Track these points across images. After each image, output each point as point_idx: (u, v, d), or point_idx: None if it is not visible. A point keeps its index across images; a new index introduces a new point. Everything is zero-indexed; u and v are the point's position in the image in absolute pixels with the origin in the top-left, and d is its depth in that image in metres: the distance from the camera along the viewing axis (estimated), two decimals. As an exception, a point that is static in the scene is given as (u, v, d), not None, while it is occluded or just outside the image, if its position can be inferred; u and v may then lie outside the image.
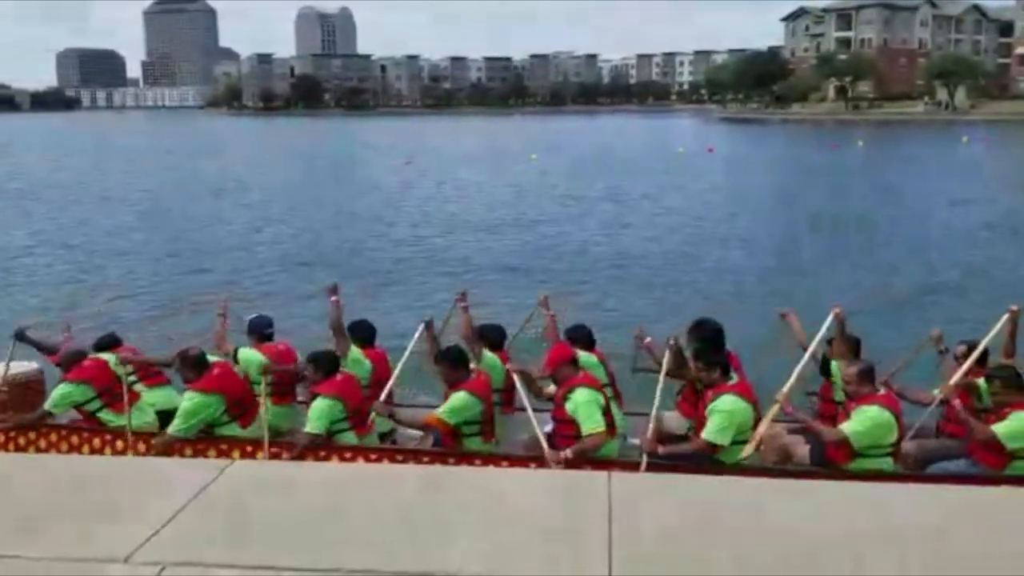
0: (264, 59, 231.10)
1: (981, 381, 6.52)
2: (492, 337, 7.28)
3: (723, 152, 58.50)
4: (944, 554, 3.46)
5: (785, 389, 6.38)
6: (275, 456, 6.56)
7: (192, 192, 38.40)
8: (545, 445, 6.26)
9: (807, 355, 6.83)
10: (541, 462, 6.19)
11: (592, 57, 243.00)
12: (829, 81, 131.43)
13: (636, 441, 6.59)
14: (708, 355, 6.44)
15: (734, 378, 6.34)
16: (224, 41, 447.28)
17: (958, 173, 42.87)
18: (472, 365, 6.80)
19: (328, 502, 3.94)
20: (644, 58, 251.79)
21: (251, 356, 7.29)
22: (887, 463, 6.10)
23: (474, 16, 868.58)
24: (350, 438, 6.64)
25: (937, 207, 29.98)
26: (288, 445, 6.66)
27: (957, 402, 6.33)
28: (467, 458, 6.36)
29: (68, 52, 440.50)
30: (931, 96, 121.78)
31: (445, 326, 7.49)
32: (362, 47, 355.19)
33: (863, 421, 6.03)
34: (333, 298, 7.15)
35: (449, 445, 6.50)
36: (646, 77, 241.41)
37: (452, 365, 6.62)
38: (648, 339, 7.09)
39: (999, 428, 5.96)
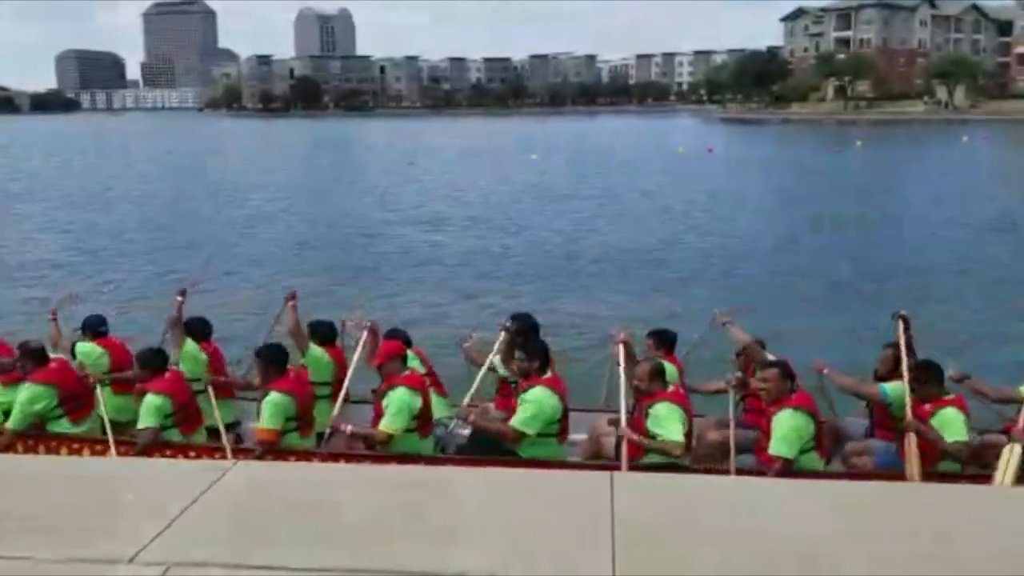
0: (263, 60, 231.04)
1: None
2: (323, 333, 7.44)
3: (723, 152, 58.52)
4: (924, 552, 3.47)
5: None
6: (123, 454, 6.57)
7: (193, 193, 38.43)
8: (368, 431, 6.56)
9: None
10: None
11: (591, 58, 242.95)
12: (828, 81, 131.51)
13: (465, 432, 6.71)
14: (528, 347, 6.61)
15: (549, 373, 6.45)
16: (223, 42, 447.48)
17: (958, 172, 42.92)
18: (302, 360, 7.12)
19: (332, 502, 3.95)
20: (643, 58, 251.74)
21: (88, 349, 7.42)
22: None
23: (473, 17, 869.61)
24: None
25: (936, 206, 29.99)
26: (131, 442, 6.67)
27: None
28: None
29: (67, 54, 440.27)
30: (931, 96, 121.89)
31: (275, 324, 7.77)
32: (361, 48, 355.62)
33: (658, 418, 6.11)
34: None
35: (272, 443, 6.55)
36: (645, 77, 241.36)
37: (264, 364, 6.71)
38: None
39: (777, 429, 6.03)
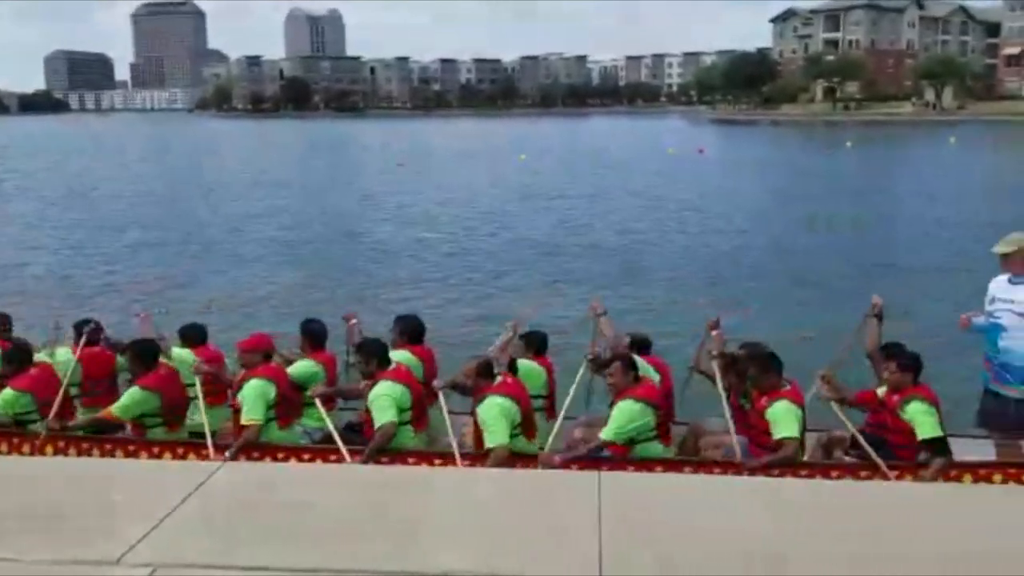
0: (253, 61, 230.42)
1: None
2: (192, 336, 7.58)
3: (713, 153, 58.64)
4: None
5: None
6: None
7: (183, 195, 38.32)
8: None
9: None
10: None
11: (581, 59, 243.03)
12: (817, 82, 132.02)
13: None
14: (361, 350, 6.79)
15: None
16: (213, 43, 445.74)
17: (945, 173, 43.13)
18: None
19: (317, 503, 3.98)
20: (633, 60, 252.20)
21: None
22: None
23: (464, 18, 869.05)
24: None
25: (924, 206, 30.12)
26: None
27: None
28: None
29: (56, 55, 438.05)
30: (919, 97, 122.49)
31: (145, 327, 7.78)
32: (351, 49, 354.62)
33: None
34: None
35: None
36: (635, 79, 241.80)
37: (135, 360, 6.85)
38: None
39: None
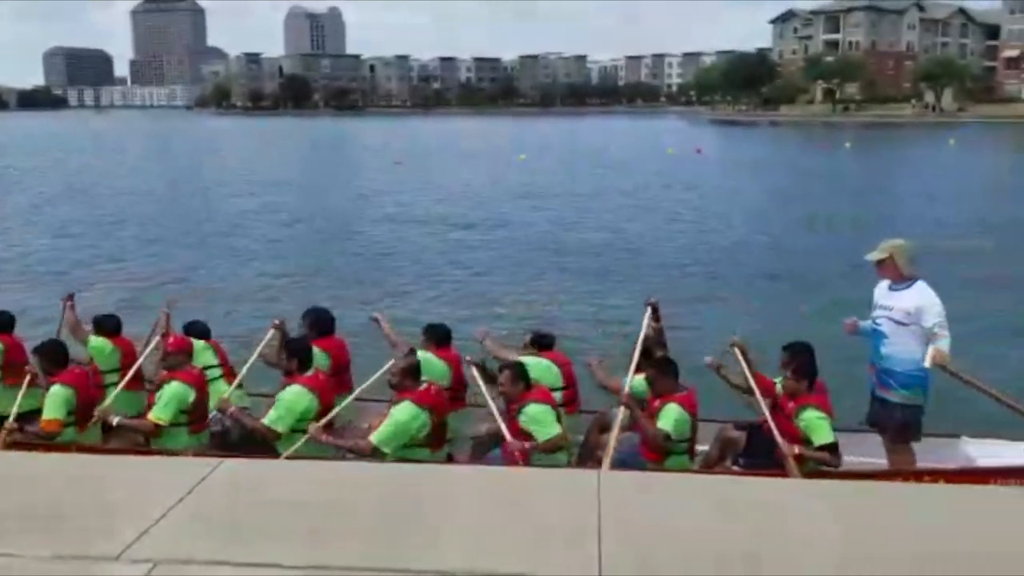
0: (252, 58, 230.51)
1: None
2: (107, 326, 7.54)
3: (712, 154, 58.66)
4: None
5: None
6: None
7: (182, 191, 38.30)
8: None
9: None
10: None
11: (581, 58, 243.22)
12: (817, 83, 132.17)
13: None
14: (288, 345, 6.86)
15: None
16: (212, 40, 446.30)
17: (944, 175, 43.16)
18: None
19: (317, 500, 3.98)
20: (633, 60, 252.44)
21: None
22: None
23: (464, 17, 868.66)
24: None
25: (923, 207, 30.16)
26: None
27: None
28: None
29: (56, 51, 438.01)
30: (918, 99, 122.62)
31: (60, 325, 7.89)
32: (351, 47, 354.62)
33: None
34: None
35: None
36: (635, 78, 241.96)
37: (48, 360, 6.89)
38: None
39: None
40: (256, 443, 6.46)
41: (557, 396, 6.83)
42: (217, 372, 7.48)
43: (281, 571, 3.33)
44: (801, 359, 6.22)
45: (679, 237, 24.62)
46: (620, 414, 6.36)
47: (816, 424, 6.01)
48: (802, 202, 31.31)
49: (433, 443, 6.41)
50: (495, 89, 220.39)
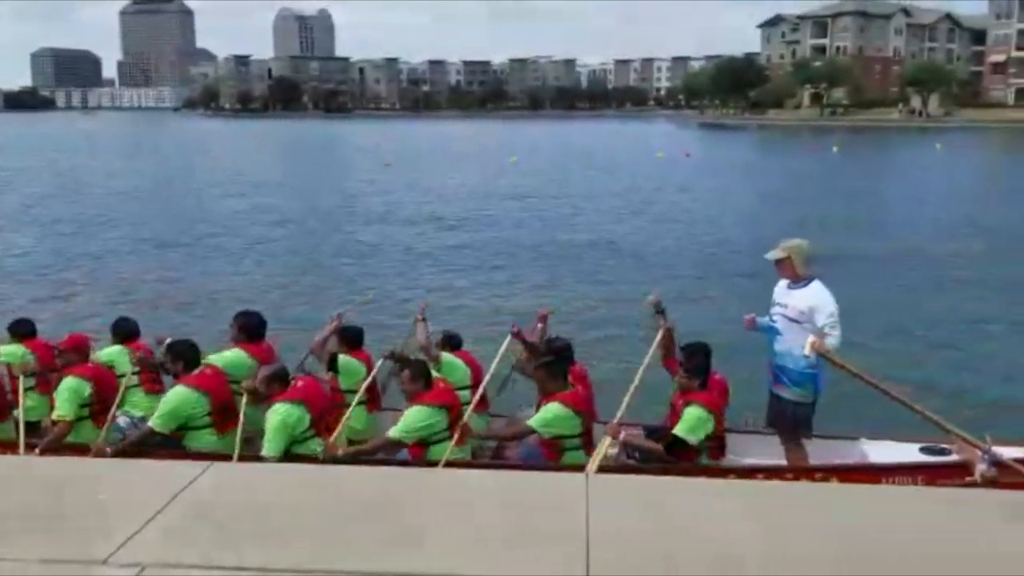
0: (241, 60, 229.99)
1: None
2: (20, 330, 7.57)
3: (701, 157, 58.83)
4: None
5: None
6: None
7: (170, 193, 38.18)
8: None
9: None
10: None
11: (570, 62, 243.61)
12: (805, 88, 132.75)
13: None
14: (171, 348, 6.89)
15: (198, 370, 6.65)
16: (201, 42, 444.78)
17: (931, 178, 43.47)
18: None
19: (306, 503, 3.97)
20: (622, 63, 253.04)
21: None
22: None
23: (458, 19, 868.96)
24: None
25: (909, 210, 30.36)
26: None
27: None
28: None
29: (43, 52, 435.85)
30: (905, 103, 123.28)
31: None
32: (340, 50, 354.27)
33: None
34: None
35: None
36: (624, 82, 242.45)
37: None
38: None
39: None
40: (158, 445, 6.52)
41: (465, 395, 7.02)
42: (135, 380, 7.26)
43: (268, 574, 3.33)
44: (695, 359, 6.54)
45: (666, 238, 24.70)
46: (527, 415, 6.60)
47: (687, 418, 6.29)
48: (791, 204, 31.46)
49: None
50: (484, 92, 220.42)
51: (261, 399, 6.51)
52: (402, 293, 17.01)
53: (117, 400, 6.87)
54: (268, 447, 6.17)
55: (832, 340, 6.22)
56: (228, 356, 6.99)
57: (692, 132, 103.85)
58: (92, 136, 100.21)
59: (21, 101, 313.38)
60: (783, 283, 6.66)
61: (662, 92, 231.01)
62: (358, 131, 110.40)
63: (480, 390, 6.99)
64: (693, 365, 6.50)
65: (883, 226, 26.75)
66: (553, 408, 6.40)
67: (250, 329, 7.25)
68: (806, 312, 6.36)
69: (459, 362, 7.36)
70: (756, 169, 50.15)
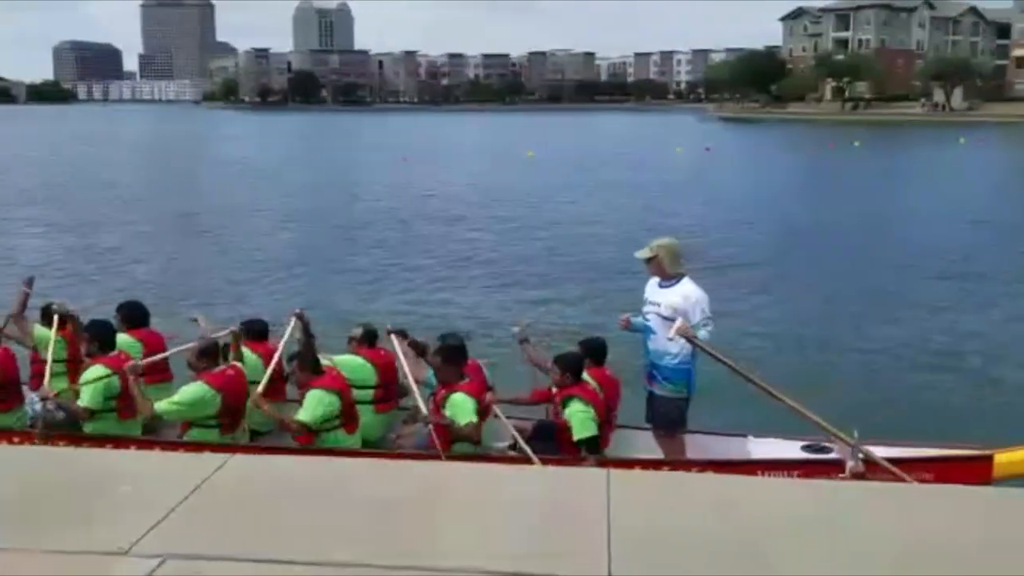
0: (261, 54, 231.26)
1: None
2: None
3: (721, 152, 58.53)
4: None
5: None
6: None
7: (187, 185, 38.43)
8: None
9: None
10: None
11: (590, 55, 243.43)
12: (826, 81, 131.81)
13: None
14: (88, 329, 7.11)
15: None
16: (221, 35, 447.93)
17: (954, 174, 43.06)
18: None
19: (328, 495, 3.94)
20: (642, 56, 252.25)
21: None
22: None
23: (473, 13, 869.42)
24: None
25: (931, 206, 30.10)
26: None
27: None
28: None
29: (64, 45, 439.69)
30: (928, 97, 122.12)
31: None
32: (359, 43, 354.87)
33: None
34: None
35: None
36: (644, 75, 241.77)
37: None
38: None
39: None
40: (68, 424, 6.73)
41: (367, 394, 7.04)
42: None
43: (292, 566, 3.30)
44: (571, 354, 6.75)
45: (689, 232, 24.57)
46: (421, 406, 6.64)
47: (576, 417, 6.40)
48: (812, 200, 31.28)
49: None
50: (503, 85, 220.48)
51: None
52: (405, 290, 16.98)
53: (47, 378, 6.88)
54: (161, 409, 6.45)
55: (703, 334, 6.44)
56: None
57: (712, 126, 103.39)
58: (125, 131, 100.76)
59: (43, 94, 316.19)
60: (653, 281, 6.83)
61: (682, 86, 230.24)
62: (377, 124, 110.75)
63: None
64: (567, 360, 6.66)
65: (917, 223, 26.53)
66: (460, 397, 6.45)
67: (133, 318, 7.57)
68: (678, 309, 6.52)
69: (360, 360, 7.16)
70: (778, 164, 49.85)
